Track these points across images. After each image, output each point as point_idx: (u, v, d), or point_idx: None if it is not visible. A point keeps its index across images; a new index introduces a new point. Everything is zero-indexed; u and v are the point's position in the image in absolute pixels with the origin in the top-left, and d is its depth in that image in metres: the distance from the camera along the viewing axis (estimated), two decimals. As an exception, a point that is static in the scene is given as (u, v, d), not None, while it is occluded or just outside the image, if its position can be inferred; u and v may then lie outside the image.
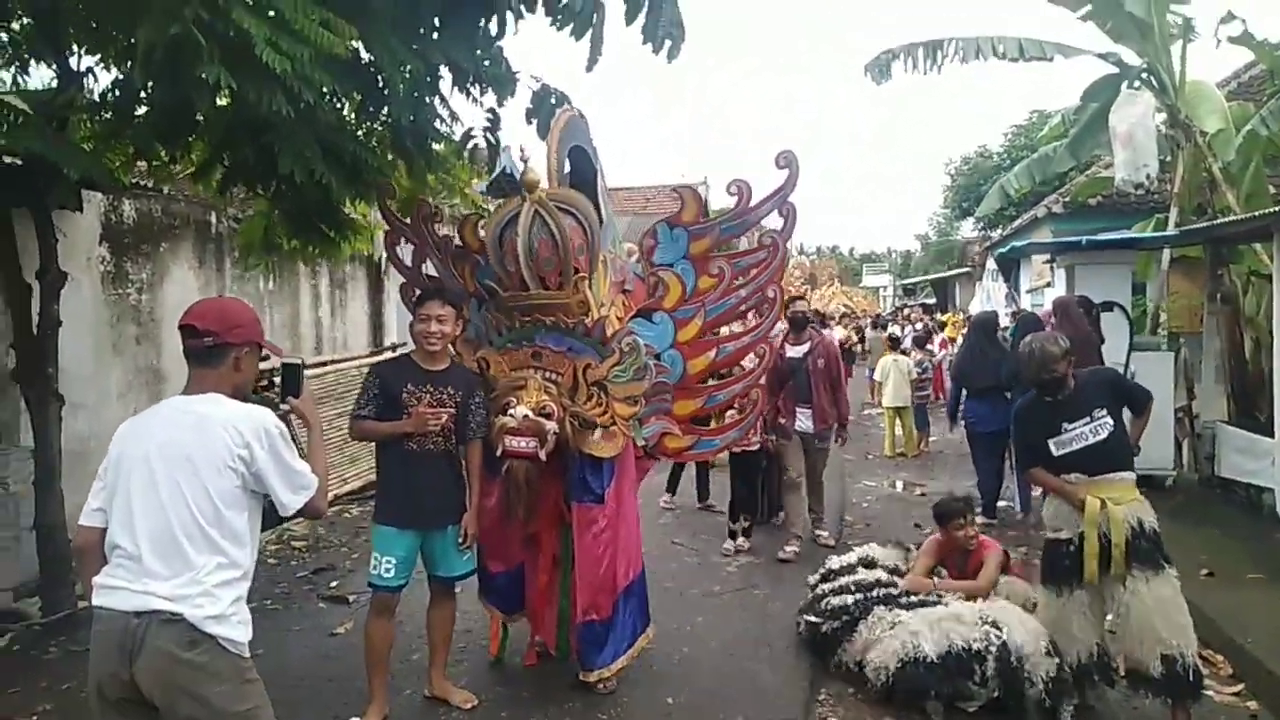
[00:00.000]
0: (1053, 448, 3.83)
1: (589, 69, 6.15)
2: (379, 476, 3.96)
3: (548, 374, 4.05)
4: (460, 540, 3.89)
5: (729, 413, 4.94)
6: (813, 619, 4.56)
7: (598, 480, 4.09)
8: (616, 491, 4.14)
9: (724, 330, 4.67)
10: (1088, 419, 3.77)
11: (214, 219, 8.20)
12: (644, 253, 4.41)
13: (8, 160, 4.72)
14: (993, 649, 3.87)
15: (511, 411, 3.89)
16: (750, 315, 4.64)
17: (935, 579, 4.59)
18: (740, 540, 6.49)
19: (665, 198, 23.18)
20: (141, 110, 4.77)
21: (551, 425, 3.91)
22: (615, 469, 4.13)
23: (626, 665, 4.18)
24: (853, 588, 4.58)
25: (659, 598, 4.64)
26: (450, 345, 4.04)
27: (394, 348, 10.46)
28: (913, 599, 4.36)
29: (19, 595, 5.49)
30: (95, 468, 2.52)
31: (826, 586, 4.72)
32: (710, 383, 4.54)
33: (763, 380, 4.79)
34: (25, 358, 4.86)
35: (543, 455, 3.89)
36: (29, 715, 3.99)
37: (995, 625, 3.96)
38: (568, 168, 4.26)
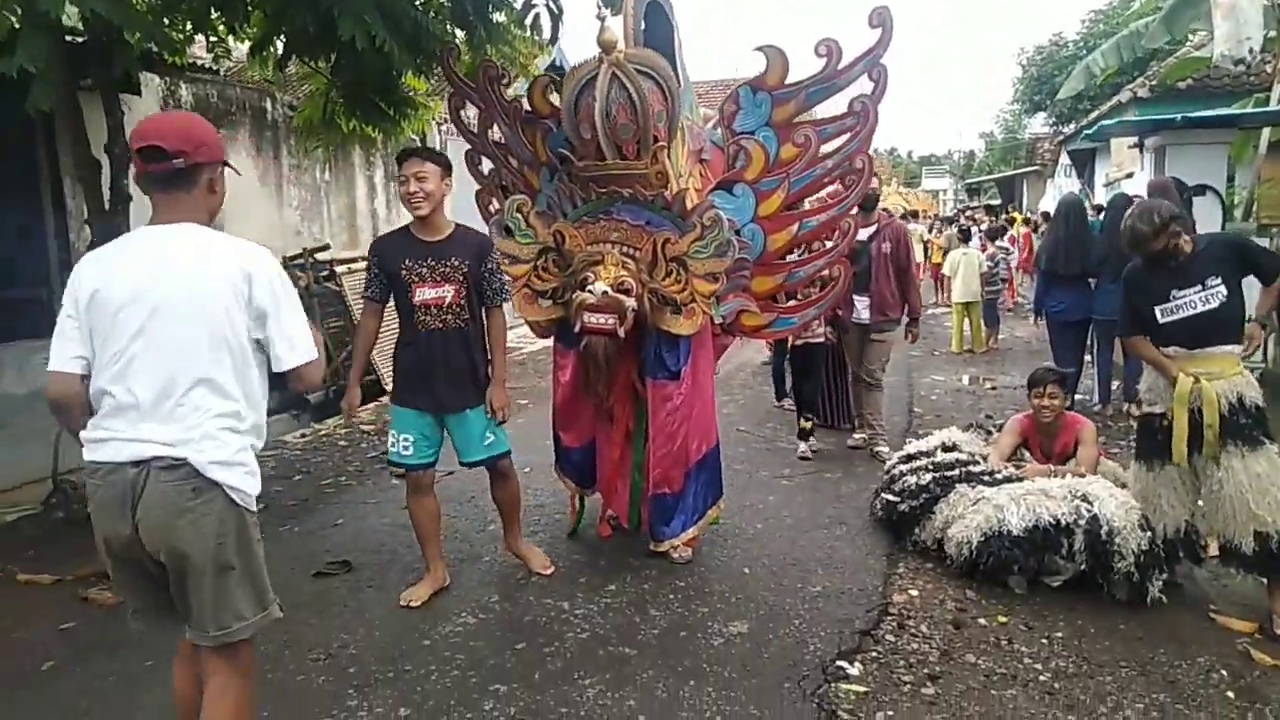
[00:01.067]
0: (1158, 314, 3.62)
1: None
2: (394, 356, 3.78)
3: (625, 249, 3.92)
4: (489, 416, 3.71)
5: (809, 290, 4.74)
6: (890, 498, 4.47)
7: (674, 357, 4.00)
8: (692, 368, 4.05)
9: (806, 203, 4.45)
10: (1199, 287, 3.54)
11: (270, 105, 8.11)
12: (724, 119, 4.15)
13: (70, 39, 4.65)
14: (1082, 522, 3.74)
15: (590, 287, 3.78)
16: (835, 186, 4.41)
17: (1022, 463, 4.43)
18: (812, 441, 6.05)
19: (719, 93, 22.42)
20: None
21: (630, 302, 3.81)
22: (691, 346, 4.03)
23: (697, 535, 4.16)
24: (931, 468, 4.47)
25: (729, 478, 4.58)
26: (437, 206, 3.62)
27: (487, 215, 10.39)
28: (996, 475, 4.24)
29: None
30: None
31: (905, 467, 4.62)
32: (791, 258, 4.35)
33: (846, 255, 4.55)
34: (102, 235, 4.87)
35: (621, 332, 3.80)
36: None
37: (1085, 499, 3.83)
38: (643, 26, 4.03)
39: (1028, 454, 4.55)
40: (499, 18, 5.31)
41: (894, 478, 4.59)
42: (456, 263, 3.58)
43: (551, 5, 5.35)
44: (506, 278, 3.86)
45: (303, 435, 7.02)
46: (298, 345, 2.23)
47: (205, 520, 2.10)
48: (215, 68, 6.86)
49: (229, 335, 2.13)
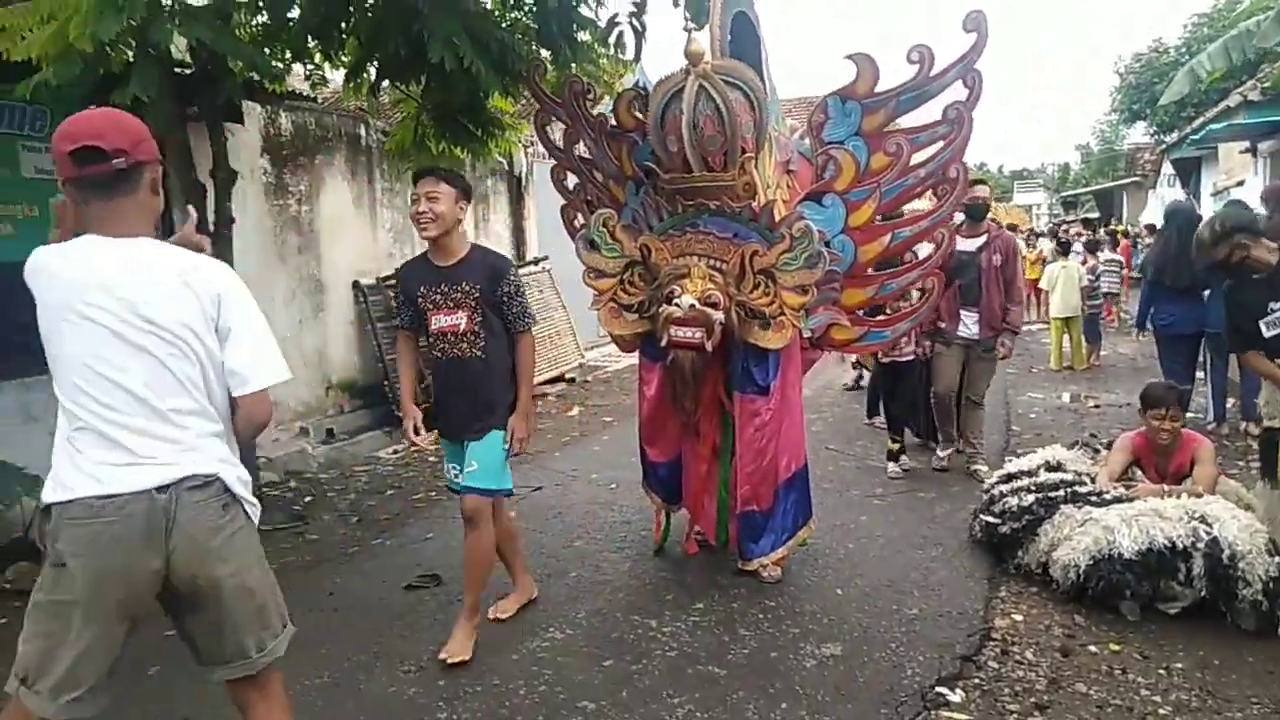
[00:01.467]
0: (1262, 329, 3.46)
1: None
2: None
3: (712, 261, 3.88)
4: (506, 446, 3.43)
5: (899, 304, 4.60)
6: (990, 519, 4.28)
7: (762, 372, 3.93)
8: (781, 383, 3.97)
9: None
10: None
11: (364, 131, 8.36)
12: (812, 129, 4.05)
13: (178, 71, 4.88)
14: (1201, 545, 3.51)
15: (677, 301, 3.75)
16: (928, 197, 4.27)
17: (1132, 483, 4.19)
18: (903, 460, 5.87)
19: (804, 109, 22.27)
20: (295, 11, 4.80)
21: (718, 315, 3.76)
22: (781, 360, 3.95)
23: (786, 556, 4.07)
24: (1034, 488, 4.27)
25: (818, 497, 4.48)
26: (447, 227, 3.36)
27: (536, 261, 10.55)
28: (1105, 496, 4.01)
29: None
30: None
31: (1005, 488, 4.42)
32: (882, 271, 4.22)
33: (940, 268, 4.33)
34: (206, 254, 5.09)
35: (709, 346, 3.75)
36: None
37: (1204, 520, 3.59)
38: (729, 38, 4.00)
39: (1140, 473, 4.30)
40: (583, 37, 5.36)
41: (994, 498, 4.40)
42: (468, 288, 3.35)
43: (635, 24, 5.37)
44: (528, 302, 3.54)
45: (395, 451, 7.16)
46: (266, 360, 2.06)
47: (235, 539, 2.01)
48: (313, 95, 7.13)
49: (204, 356, 1.99)
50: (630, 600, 3.89)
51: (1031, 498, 4.17)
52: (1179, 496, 3.82)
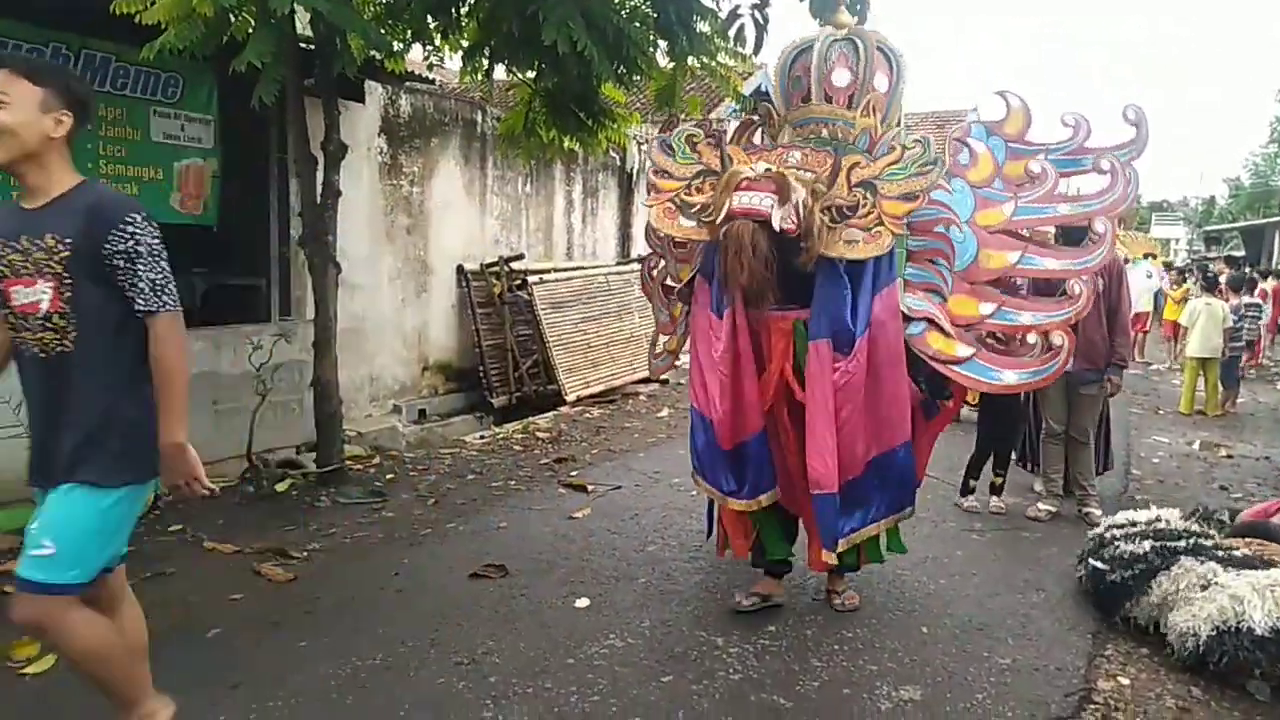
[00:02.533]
0: None
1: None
2: None
3: (802, 171, 3.35)
4: (107, 507, 2.19)
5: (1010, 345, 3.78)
6: (1098, 565, 3.90)
7: (843, 318, 3.29)
8: (870, 346, 3.33)
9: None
10: None
11: (480, 118, 8.42)
12: (951, 144, 3.70)
13: (302, 46, 4.97)
14: (1351, 627, 3.09)
15: (748, 170, 3.22)
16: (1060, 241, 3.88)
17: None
18: (1005, 496, 5.37)
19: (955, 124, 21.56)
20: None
21: (799, 191, 3.16)
22: (873, 315, 3.33)
23: (871, 535, 3.60)
24: (1151, 534, 3.87)
25: (910, 527, 4.17)
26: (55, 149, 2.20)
27: (641, 259, 10.45)
28: (1234, 554, 3.60)
29: (300, 450, 5.99)
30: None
31: (1118, 532, 4.03)
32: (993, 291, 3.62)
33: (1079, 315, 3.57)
34: (310, 224, 5.17)
35: (778, 223, 3.08)
36: (301, 550, 4.27)
37: (1358, 599, 3.16)
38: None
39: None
40: (702, 27, 5.21)
41: (1104, 542, 4.01)
42: (53, 242, 2.16)
43: (757, 16, 5.19)
44: (165, 272, 2.24)
45: (481, 437, 7.16)
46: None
47: None
48: (431, 79, 7.20)
49: None
50: (699, 614, 3.70)
51: (1147, 544, 3.78)
52: (1326, 567, 3.39)
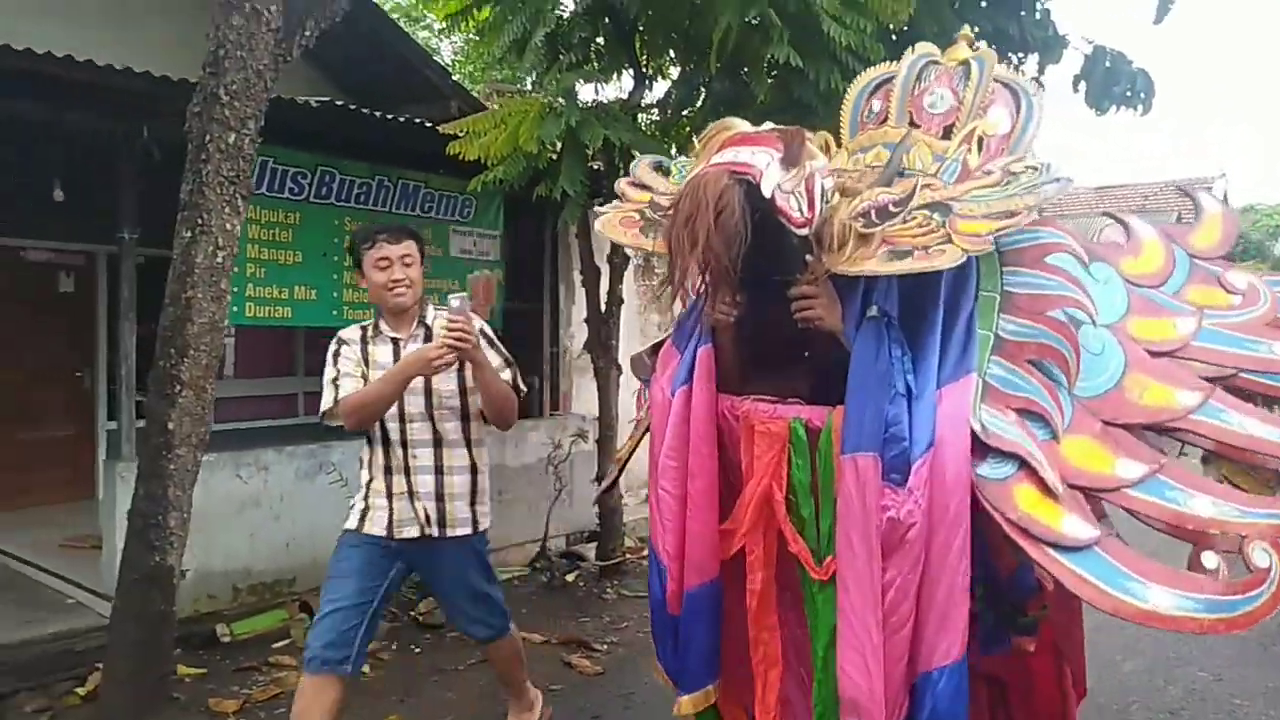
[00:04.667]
0: None
1: (1158, 20, 5.42)
2: None
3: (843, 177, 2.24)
4: None
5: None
6: None
7: (900, 421, 1.94)
8: (935, 477, 1.90)
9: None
10: None
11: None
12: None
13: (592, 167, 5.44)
14: None
15: (745, 125, 2.22)
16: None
17: None
18: None
19: (1174, 195, 19.80)
20: (698, 104, 5.18)
21: (819, 160, 2.04)
22: (936, 429, 1.93)
23: None
24: None
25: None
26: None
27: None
28: None
29: (570, 541, 6.31)
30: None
31: None
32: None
33: None
34: (595, 329, 5.55)
35: (770, 189, 1.89)
36: (600, 643, 4.48)
37: None
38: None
39: None
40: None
41: None
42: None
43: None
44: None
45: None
46: None
47: None
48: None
49: None
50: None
51: None
52: None
